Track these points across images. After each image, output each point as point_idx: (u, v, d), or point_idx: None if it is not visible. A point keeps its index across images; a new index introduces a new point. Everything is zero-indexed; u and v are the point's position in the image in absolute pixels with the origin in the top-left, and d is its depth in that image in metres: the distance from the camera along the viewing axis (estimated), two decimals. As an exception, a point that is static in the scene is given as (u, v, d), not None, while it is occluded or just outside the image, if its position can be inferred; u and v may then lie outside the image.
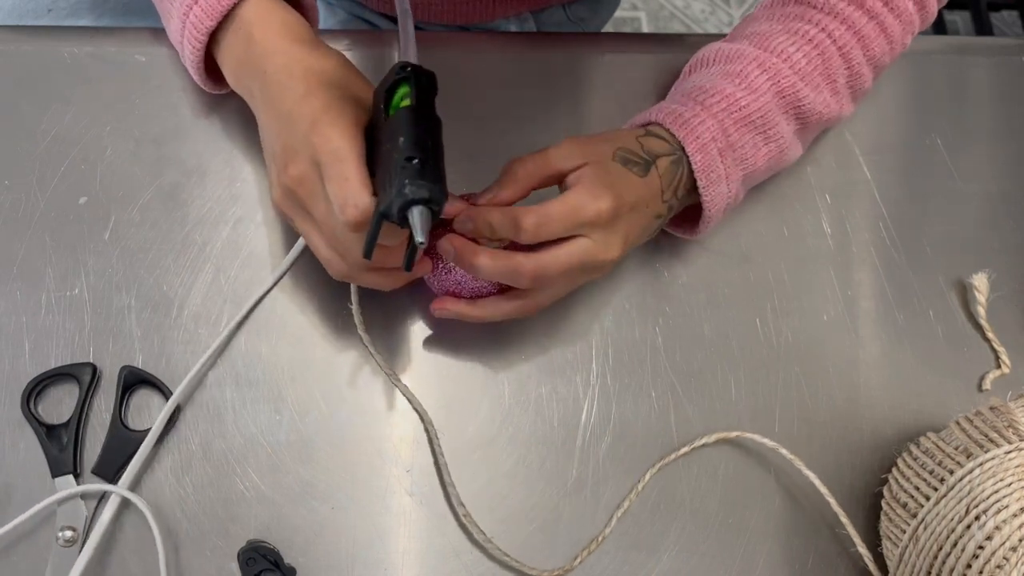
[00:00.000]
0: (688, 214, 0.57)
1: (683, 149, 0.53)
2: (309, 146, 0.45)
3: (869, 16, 0.55)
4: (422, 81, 0.46)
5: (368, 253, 0.45)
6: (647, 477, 0.55)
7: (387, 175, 0.43)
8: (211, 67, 0.56)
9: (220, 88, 0.58)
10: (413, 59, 0.50)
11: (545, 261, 0.49)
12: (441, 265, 0.52)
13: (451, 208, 0.49)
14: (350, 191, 0.44)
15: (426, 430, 0.55)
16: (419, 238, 0.42)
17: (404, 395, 0.55)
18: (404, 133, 0.44)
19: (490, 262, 0.48)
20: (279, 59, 0.49)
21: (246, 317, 0.56)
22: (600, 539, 0.53)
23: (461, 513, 0.53)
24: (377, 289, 0.52)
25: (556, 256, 0.49)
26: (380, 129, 0.45)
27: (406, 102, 0.45)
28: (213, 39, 0.53)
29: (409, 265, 0.47)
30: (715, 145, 0.53)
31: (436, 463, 0.54)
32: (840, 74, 0.56)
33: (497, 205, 0.49)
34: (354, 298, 0.55)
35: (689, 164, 0.53)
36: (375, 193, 0.44)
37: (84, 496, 0.52)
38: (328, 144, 0.45)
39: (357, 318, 0.55)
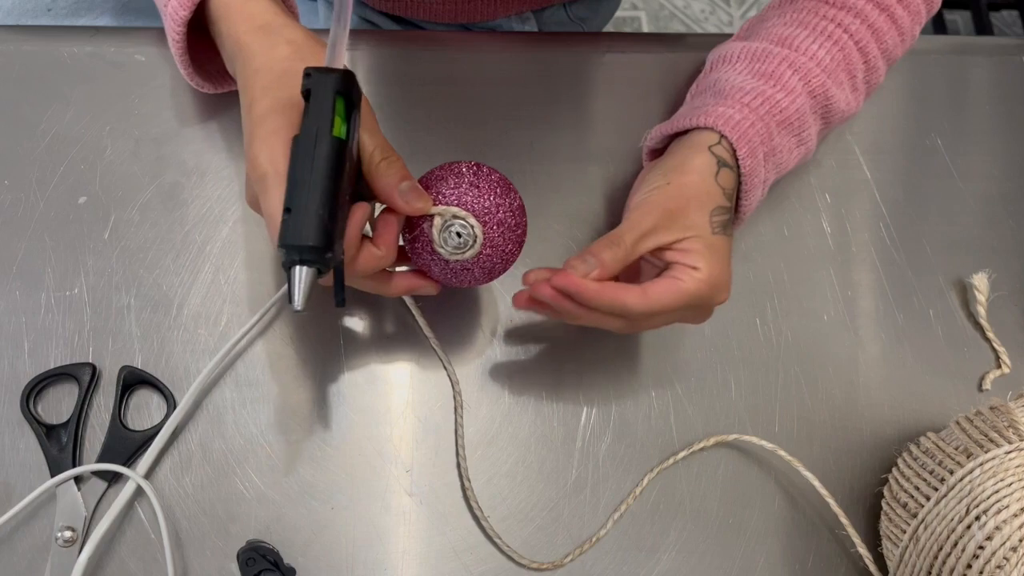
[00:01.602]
0: None
1: (736, 164, 0.52)
2: (247, 168, 0.44)
3: (880, 9, 0.55)
4: (322, 93, 0.42)
5: (338, 302, 0.44)
6: (645, 481, 0.55)
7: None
8: (209, 67, 0.56)
9: (211, 87, 0.57)
10: (337, 57, 0.44)
11: (653, 303, 0.48)
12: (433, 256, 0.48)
13: (409, 207, 0.45)
14: (272, 231, 0.42)
15: (454, 398, 0.55)
16: (295, 305, 0.41)
17: (442, 362, 0.56)
18: (289, 173, 0.41)
19: (596, 296, 0.47)
20: (240, 59, 0.48)
21: (265, 329, 0.56)
22: (594, 539, 0.53)
23: (466, 487, 0.53)
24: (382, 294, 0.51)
25: (661, 299, 0.48)
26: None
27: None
28: (214, 34, 0.53)
29: (340, 301, 0.44)
30: (761, 150, 0.53)
31: (456, 432, 0.54)
32: (859, 69, 0.56)
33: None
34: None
35: (736, 176, 0.52)
36: None
37: (88, 487, 0.52)
38: (257, 170, 0.43)
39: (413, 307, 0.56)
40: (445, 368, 0.56)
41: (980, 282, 0.60)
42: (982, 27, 1.65)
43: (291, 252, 0.40)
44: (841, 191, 0.64)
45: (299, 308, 0.41)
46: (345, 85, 0.42)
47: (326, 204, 0.41)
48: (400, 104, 0.62)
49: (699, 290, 0.48)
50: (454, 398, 0.55)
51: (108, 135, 0.60)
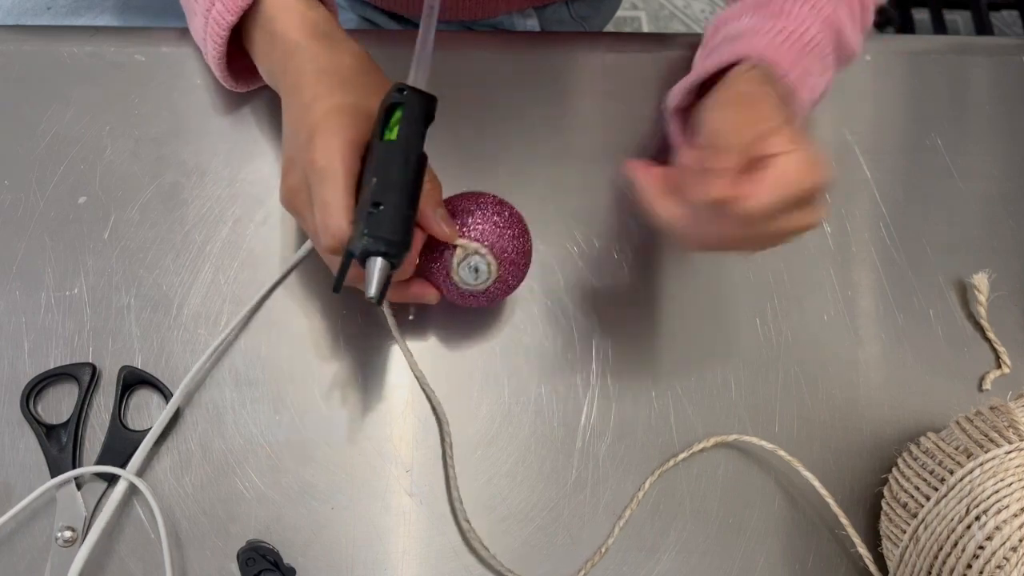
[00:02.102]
0: None
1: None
2: (303, 160, 0.45)
3: None
4: (415, 111, 0.45)
5: (337, 287, 0.44)
6: (647, 485, 0.55)
7: (360, 210, 0.43)
8: (234, 65, 0.56)
9: (242, 86, 0.58)
10: (421, 79, 0.48)
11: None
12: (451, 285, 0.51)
13: (441, 232, 0.47)
14: (330, 217, 0.43)
15: (438, 424, 0.55)
16: (369, 292, 0.42)
17: (421, 386, 0.55)
18: (378, 172, 0.43)
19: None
20: (297, 58, 0.49)
21: (248, 319, 0.56)
22: (603, 550, 0.53)
23: (465, 529, 0.53)
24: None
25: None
26: (373, 149, 0.45)
27: (394, 131, 0.44)
28: (246, 37, 0.53)
29: (379, 299, 0.44)
30: (793, 72, 0.51)
31: (444, 462, 0.54)
32: (855, 5, 0.56)
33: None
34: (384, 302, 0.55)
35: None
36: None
37: (88, 488, 0.52)
38: (318, 162, 0.44)
39: (387, 313, 0.56)
40: (424, 390, 0.56)
41: (980, 282, 0.60)
42: (982, 27, 1.65)
43: (376, 243, 0.42)
44: (841, 191, 0.64)
45: (374, 297, 0.42)
46: (431, 108, 0.46)
47: (412, 207, 0.44)
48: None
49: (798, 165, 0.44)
50: (440, 432, 0.55)
51: (108, 135, 0.60)
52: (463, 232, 0.49)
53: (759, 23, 0.53)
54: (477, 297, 0.51)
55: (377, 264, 0.43)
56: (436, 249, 0.50)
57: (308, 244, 0.57)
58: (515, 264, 0.51)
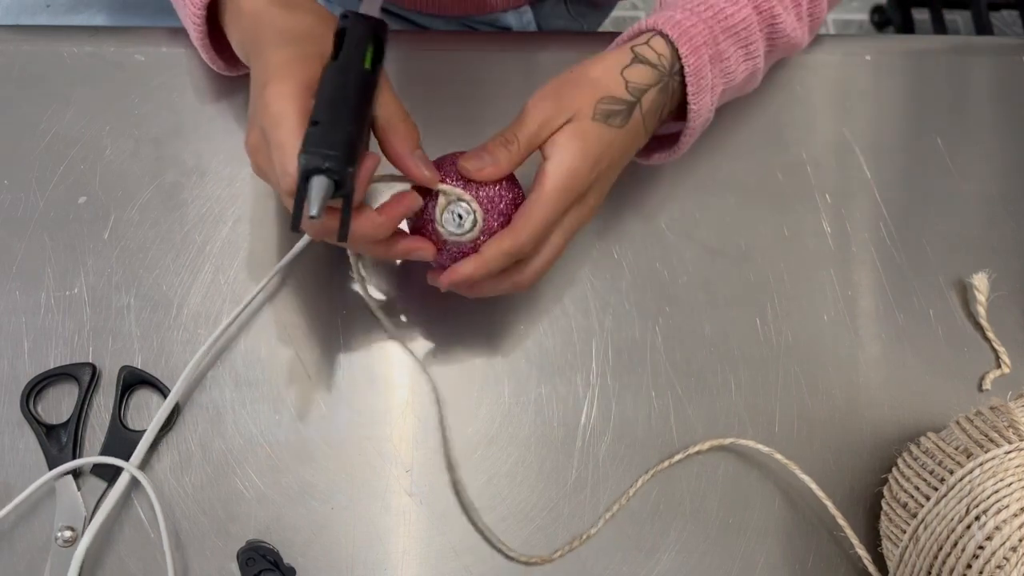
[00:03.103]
0: (658, 138, 0.56)
1: (676, 71, 0.51)
2: (258, 111, 0.44)
3: None
4: (357, 31, 0.44)
5: (295, 225, 0.42)
6: (639, 483, 0.55)
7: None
8: (221, 48, 0.56)
9: (232, 69, 0.58)
10: (373, 6, 0.47)
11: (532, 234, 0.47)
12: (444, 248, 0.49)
13: (419, 174, 0.47)
14: (285, 157, 0.42)
15: (437, 403, 0.55)
16: (312, 211, 0.40)
17: (419, 363, 0.55)
18: (319, 93, 0.42)
19: (490, 271, 0.48)
20: (260, 23, 0.48)
21: (244, 311, 0.56)
22: (584, 537, 0.53)
23: (452, 479, 0.53)
24: (376, 257, 0.50)
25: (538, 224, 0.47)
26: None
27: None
28: (220, 13, 0.53)
29: (343, 234, 0.43)
30: (706, 51, 0.52)
31: (443, 436, 0.54)
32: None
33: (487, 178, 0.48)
34: (358, 276, 0.55)
35: (680, 84, 0.52)
36: None
37: (88, 487, 0.52)
38: (271, 108, 0.43)
39: (364, 293, 0.55)
40: (426, 373, 0.56)
41: (980, 282, 0.60)
42: (982, 27, 1.64)
43: (314, 159, 0.40)
44: (841, 191, 0.64)
45: (315, 215, 0.40)
46: (378, 32, 0.44)
47: (353, 122, 0.42)
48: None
49: (556, 184, 0.47)
50: (437, 405, 0.55)
51: (108, 135, 0.60)
52: (445, 182, 0.48)
53: None
54: (466, 255, 0.48)
55: (316, 183, 0.41)
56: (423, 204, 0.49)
57: (299, 244, 0.57)
58: (503, 215, 0.48)
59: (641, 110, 0.50)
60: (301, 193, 0.41)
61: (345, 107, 0.42)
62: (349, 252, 0.55)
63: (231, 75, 0.59)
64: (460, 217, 0.47)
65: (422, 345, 0.57)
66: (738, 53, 0.54)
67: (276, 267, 0.57)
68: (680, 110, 0.54)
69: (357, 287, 0.56)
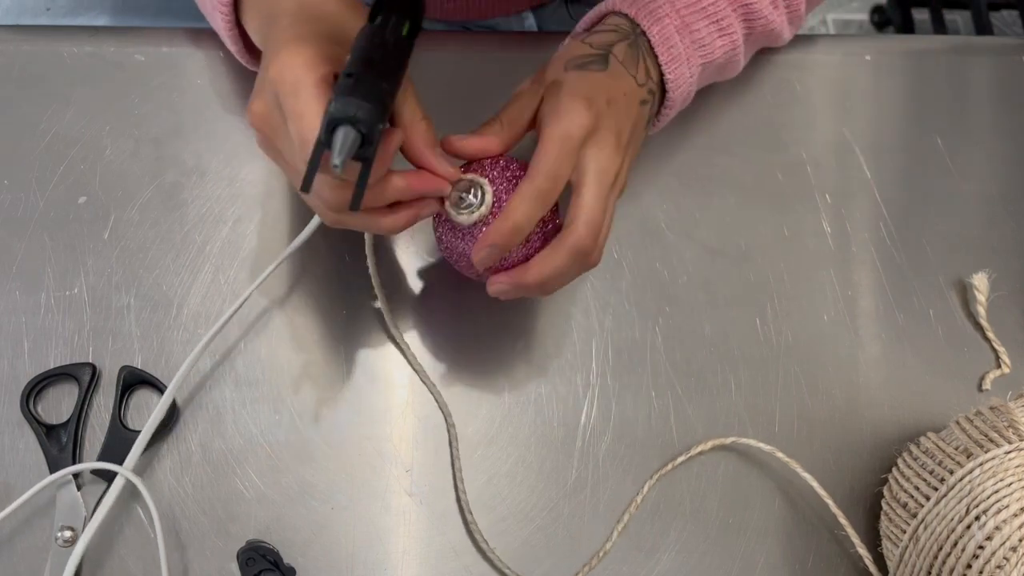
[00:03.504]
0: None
1: (643, 30, 0.51)
2: (270, 80, 0.42)
3: None
4: (395, 2, 0.42)
5: (306, 186, 0.40)
6: (645, 489, 0.54)
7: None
8: (251, 43, 0.54)
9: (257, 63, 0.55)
10: None
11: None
12: (448, 227, 0.49)
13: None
14: (306, 127, 0.40)
15: (447, 426, 0.55)
16: (334, 160, 0.38)
17: (424, 383, 0.55)
18: (353, 51, 0.40)
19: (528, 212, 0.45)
20: (283, 4, 0.47)
21: (240, 306, 0.56)
22: (602, 554, 0.53)
23: (469, 520, 0.53)
24: (379, 233, 0.48)
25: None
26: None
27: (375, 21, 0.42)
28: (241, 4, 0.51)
29: (356, 203, 0.41)
30: (671, 22, 0.52)
31: (452, 463, 0.54)
32: None
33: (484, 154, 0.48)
34: (371, 267, 0.55)
35: (649, 46, 0.52)
36: None
37: (88, 487, 0.52)
38: (286, 78, 0.41)
39: (378, 289, 0.55)
40: (431, 392, 0.56)
41: (980, 282, 0.60)
42: (982, 27, 1.64)
43: (347, 107, 0.38)
44: (841, 191, 0.64)
45: (338, 164, 0.38)
46: (417, 9, 0.43)
47: (388, 81, 0.40)
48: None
49: (560, 131, 0.45)
50: (447, 429, 0.55)
51: (108, 135, 0.60)
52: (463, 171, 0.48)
53: None
54: (474, 237, 0.47)
55: (343, 132, 0.38)
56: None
57: (297, 240, 0.56)
58: (513, 184, 0.47)
59: (617, 58, 0.50)
60: (319, 148, 0.39)
61: (381, 65, 0.40)
62: (366, 234, 0.54)
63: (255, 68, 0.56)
64: (468, 198, 0.47)
65: (422, 347, 0.57)
66: (710, 28, 0.54)
67: (279, 258, 0.55)
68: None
69: (369, 264, 0.55)
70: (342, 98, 0.38)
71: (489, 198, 0.47)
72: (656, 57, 0.52)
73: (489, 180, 0.47)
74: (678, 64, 0.53)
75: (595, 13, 0.54)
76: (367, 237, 0.55)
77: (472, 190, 0.47)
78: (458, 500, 0.53)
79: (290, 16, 0.45)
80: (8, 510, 0.50)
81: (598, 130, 0.47)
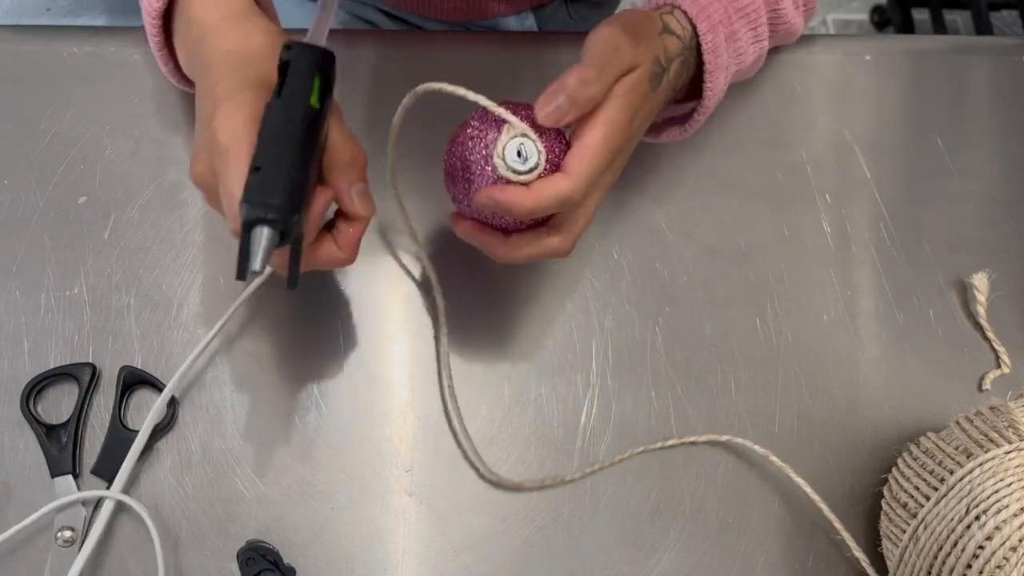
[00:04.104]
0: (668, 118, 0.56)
1: (693, 46, 0.51)
2: (206, 142, 0.42)
3: None
4: (301, 65, 0.41)
5: (240, 274, 0.40)
6: (627, 453, 0.55)
7: None
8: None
9: (189, 86, 0.54)
10: (319, 36, 0.45)
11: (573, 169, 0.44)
12: (469, 186, 0.46)
13: (353, 209, 0.44)
14: (233, 203, 0.40)
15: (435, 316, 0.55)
16: (254, 265, 0.39)
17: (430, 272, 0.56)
18: (261, 134, 0.40)
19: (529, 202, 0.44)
20: (209, 40, 0.46)
21: (236, 308, 0.56)
22: (565, 479, 0.54)
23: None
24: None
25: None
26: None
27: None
28: (173, 25, 0.51)
29: (293, 282, 0.41)
30: (722, 29, 0.52)
31: (437, 348, 0.54)
32: None
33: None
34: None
35: (695, 60, 0.51)
36: None
37: (88, 480, 0.52)
38: (219, 142, 0.41)
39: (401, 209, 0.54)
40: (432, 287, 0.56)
41: (980, 282, 0.60)
42: (982, 27, 1.64)
43: (255, 210, 0.39)
44: (841, 191, 0.64)
45: (257, 269, 0.39)
46: (325, 63, 0.42)
47: (297, 167, 0.40)
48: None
49: (607, 135, 0.44)
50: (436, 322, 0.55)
51: (108, 135, 0.60)
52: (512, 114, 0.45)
53: None
54: (485, 219, 0.47)
55: (258, 233, 0.39)
56: (479, 130, 0.46)
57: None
58: (555, 167, 0.45)
59: (668, 78, 0.49)
60: (244, 237, 0.40)
61: (288, 150, 0.40)
62: (389, 169, 0.52)
63: (188, 90, 0.55)
64: (520, 155, 0.44)
65: (422, 347, 0.57)
66: (748, 35, 0.55)
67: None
68: (688, 88, 0.54)
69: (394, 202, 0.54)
70: (253, 198, 0.39)
71: (543, 164, 0.45)
72: (699, 64, 0.52)
73: (541, 138, 0.45)
74: (719, 73, 0.53)
75: (646, 4, 0.53)
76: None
77: (530, 150, 0.44)
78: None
79: (222, 60, 0.45)
80: (9, 533, 0.50)
81: (621, 150, 0.47)
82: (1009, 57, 0.70)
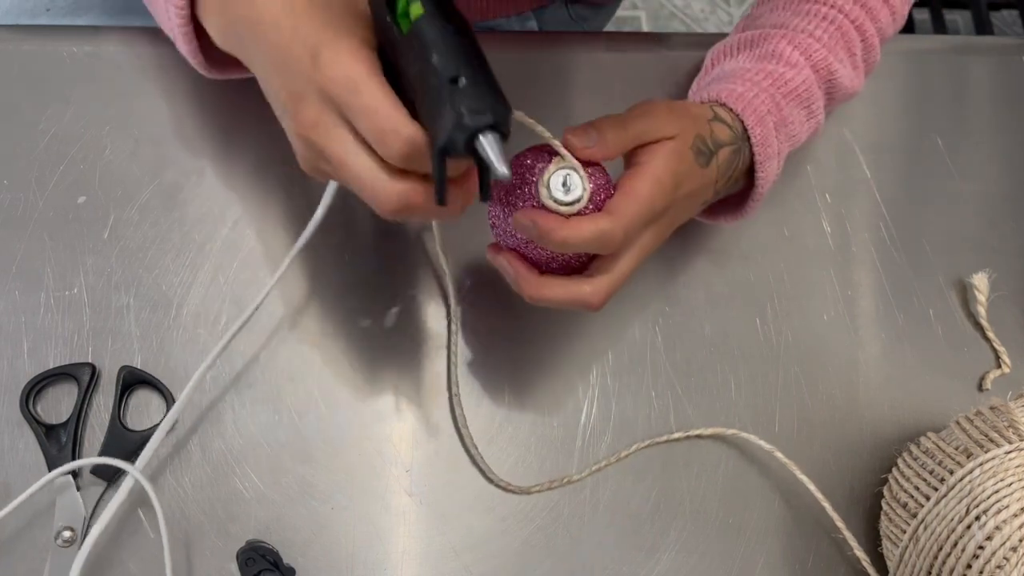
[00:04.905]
0: (724, 200, 0.56)
1: (745, 136, 0.51)
2: (315, 83, 0.39)
3: None
4: None
5: (442, 199, 0.38)
6: (632, 448, 0.55)
7: (431, 103, 0.37)
8: (208, 50, 0.50)
9: (224, 72, 0.52)
10: None
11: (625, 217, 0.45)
12: (509, 209, 0.46)
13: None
14: (386, 120, 0.37)
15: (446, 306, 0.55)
16: (501, 170, 0.36)
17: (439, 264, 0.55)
18: (435, 48, 0.37)
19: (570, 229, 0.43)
20: None
21: (248, 320, 0.56)
22: (565, 480, 0.54)
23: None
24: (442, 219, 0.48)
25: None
26: (395, 50, 0.38)
27: (417, 9, 0.37)
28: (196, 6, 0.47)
29: (487, 194, 0.39)
30: (771, 119, 0.52)
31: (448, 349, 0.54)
32: (856, 47, 0.56)
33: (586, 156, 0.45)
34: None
35: (749, 151, 0.52)
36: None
37: (87, 487, 0.51)
38: (338, 77, 0.38)
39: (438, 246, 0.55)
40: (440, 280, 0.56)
41: (980, 282, 0.60)
42: (982, 27, 1.64)
43: (483, 116, 0.36)
44: (841, 191, 0.64)
45: (507, 172, 0.36)
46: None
47: (487, 66, 0.38)
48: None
49: (650, 187, 0.45)
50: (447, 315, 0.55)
51: (108, 135, 0.60)
52: (543, 151, 0.45)
53: (748, 65, 0.54)
54: (529, 256, 0.46)
55: (490, 139, 0.36)
56: (529, 158, 0.45)
57: (298, 244, 0.55)
58: (597, 207, 0.45)
59: (716, 162, 0.50)
60: (442, 162, 0.37)
61: (473, 53, 0.38)
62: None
63: (216, 78, 0.52)
64: (565, 184, 0.44)
65: (422, 347, 0.57)
66: (801, 115, 0.55)
67: (288, 257, 0.54)
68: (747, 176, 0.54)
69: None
70: (473, 106, 0.36)
71: (587, 198, 0.44)
72: (752, 155, 0.52)
73: (590, 178, 0.45)
74: (770, 161, 0.53)
75: (701, 95, 0.53)
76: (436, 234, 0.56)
77: (575, 183, 0.44)
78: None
79: (290, 10, 0.41)
80: (8, 508, 0.49)
81: (663, 215, 0.48)
82: (1009, 57, 0.70)
